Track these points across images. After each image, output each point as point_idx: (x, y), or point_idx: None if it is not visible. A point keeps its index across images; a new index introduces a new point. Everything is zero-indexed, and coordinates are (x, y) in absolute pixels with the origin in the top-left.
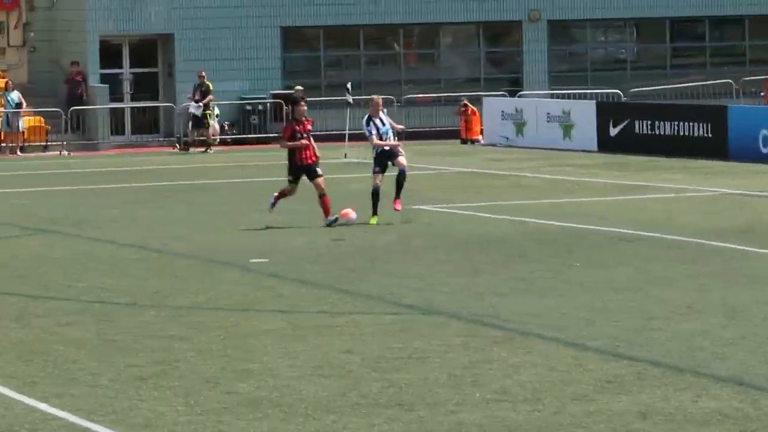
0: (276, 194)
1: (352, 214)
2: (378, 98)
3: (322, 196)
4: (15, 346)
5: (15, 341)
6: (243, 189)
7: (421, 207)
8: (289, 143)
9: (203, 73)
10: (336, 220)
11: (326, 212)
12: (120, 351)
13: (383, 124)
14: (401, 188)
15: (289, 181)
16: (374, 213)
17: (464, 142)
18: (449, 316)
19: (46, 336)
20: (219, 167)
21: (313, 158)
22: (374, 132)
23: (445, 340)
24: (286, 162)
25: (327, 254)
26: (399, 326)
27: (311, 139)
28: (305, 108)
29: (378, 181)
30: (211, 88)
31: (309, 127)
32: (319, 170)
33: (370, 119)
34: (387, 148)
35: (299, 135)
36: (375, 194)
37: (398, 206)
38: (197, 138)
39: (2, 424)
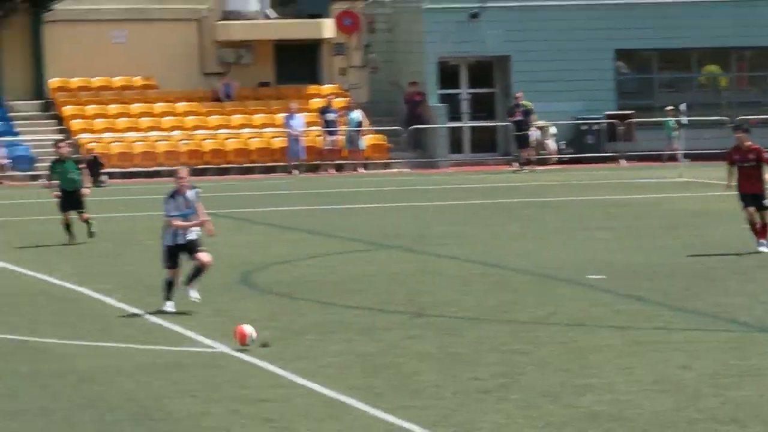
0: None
1: None
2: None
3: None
4: (360, 358)
5: (361, 354)
6: (578, 206)
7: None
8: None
9: (519, 94)
10: None
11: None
12: (462, 364)
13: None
14: None
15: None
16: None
17: None
18: None
19: (391, 349)
20: (555, 185)
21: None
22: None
23: None
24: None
25: (662, 272)
26: (734, 343)
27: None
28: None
29: None
30: (531, 107)
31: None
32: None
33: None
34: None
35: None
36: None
37: None
38: (527, 157)
39: None
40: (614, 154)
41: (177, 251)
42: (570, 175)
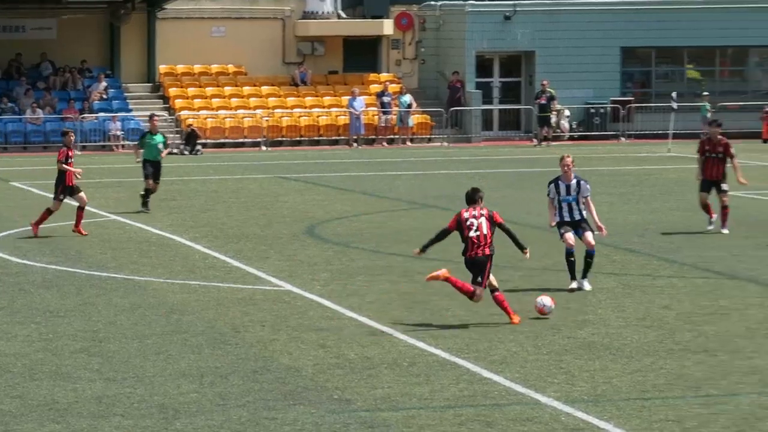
0: None
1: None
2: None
3: None
4: (400, 296)
5: (401, 293)
6: (586, 175)
7: (730, 193)
8: None
9: (545, 82)
10: None
11: None
12: (484, 303)
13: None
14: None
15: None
16: None
17: (765, 141)
18: (749, 281)
19: (425, 289)
20: None
21: None
22: None
23: (744, 300)
24: None
25: (652, 230)
26: (708, 288)
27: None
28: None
29: None
30: (554, 93)
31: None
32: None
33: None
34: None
35: None
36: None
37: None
38: (545, 134)
39: (389, 357)
40: (616, 132)
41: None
42: (579, 149)
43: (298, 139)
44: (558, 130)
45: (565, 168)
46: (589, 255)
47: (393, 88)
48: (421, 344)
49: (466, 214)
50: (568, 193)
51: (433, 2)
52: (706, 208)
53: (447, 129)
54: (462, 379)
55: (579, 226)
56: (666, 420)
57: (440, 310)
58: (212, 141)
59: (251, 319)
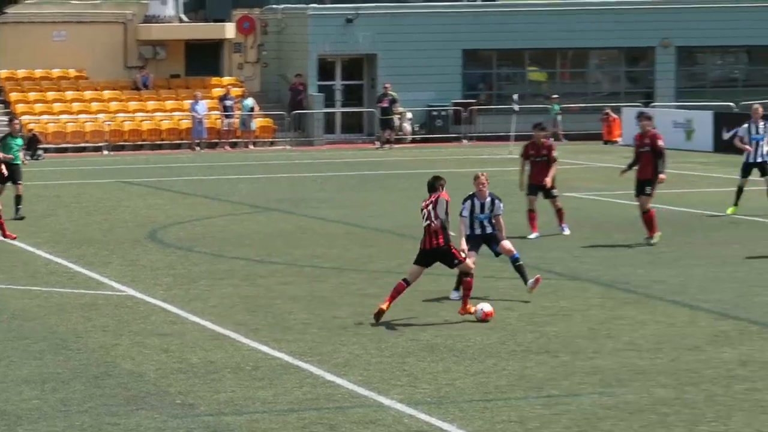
0: None
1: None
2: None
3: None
4: (243, 300)
5: (243, 296)
6: (427, 177)
7: (570, 194)
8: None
9: (388, 84)
10: None
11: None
12: (327, 305)
13: None
14: None
15: None
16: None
17: (606, 143)
18: (590, 282)
19: (268, 293)
20: (410, 160)
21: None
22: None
23: (586, 300)
24: None
25: None
26: (550, 289)
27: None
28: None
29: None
30: (396, 96)
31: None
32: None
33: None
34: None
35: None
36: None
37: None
38: (387, 137)
39: (232, 361)
40: (458, 135)
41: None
42: (421, 152)
43: (140, 143)
44: (400, 133)
45: (481, 186)
46: (515, 260)
47: (235, 91)
48: (264, 348)
49: (422, 204)
50: (482, 211)
51: (275, 6)
52: (531, 214)
53: (290, 132)
54: (305, 383)
55: (492, 239)
56: (509, 421)
57: (283, 314)
58: (54, 146)
59: (93, 324)
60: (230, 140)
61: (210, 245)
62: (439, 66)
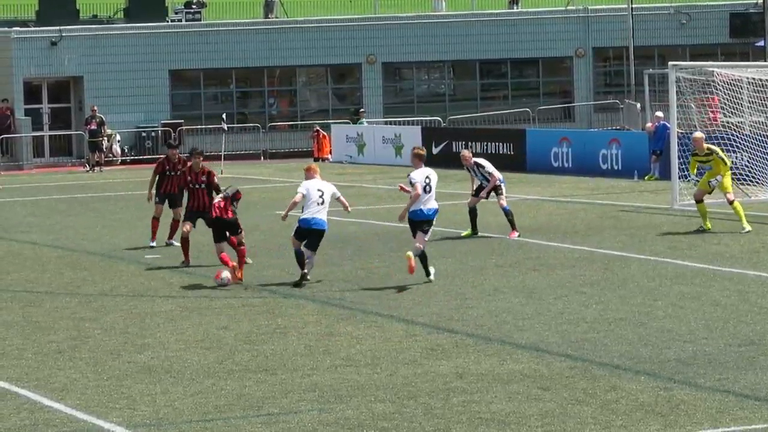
0: None
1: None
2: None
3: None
4: None
5: None
6: (139, 199)
7: (281, 212)
8: None
9: (95, 107)
10: None
11: None
12: (41, 330)
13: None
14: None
15: None
16: None
17: (316, 159)
18: (305, 299)
19: None
20: (120, 182)
21: None
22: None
23: (302, 318)
24: None
25: (208, 251)
26: (265, 307)
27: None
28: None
29: None
30: (104, 118)
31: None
32: None
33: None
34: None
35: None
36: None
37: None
38: (96, 159)
39: None
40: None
41: None
42: (132, 173)
43: None
44: (110, 155)
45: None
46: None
47: None
48: None
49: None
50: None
51: None
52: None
53: None
54: (23, 408)
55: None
56: None
57: None
58: None
59: None
60: None
61: None
62: (146, 87)
